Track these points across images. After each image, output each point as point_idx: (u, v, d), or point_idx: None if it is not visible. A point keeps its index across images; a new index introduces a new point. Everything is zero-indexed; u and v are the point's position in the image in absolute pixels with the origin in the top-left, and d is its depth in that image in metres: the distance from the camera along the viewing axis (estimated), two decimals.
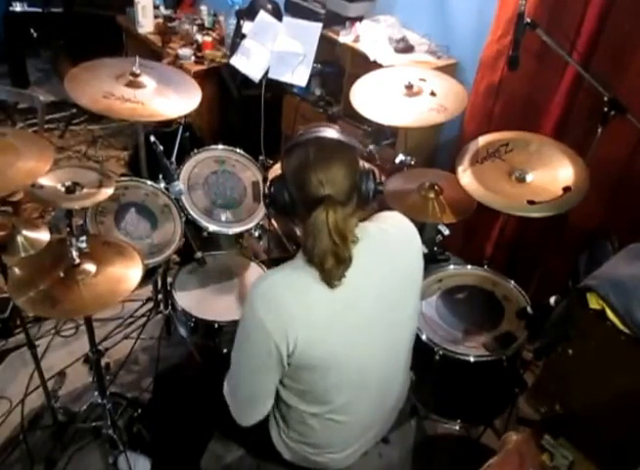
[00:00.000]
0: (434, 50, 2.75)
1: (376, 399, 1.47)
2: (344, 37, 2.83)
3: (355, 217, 1.33)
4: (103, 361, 1.94)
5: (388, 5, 2.93)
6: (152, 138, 2.04)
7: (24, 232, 1.74)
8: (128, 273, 1.62)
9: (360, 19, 2.87)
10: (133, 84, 1.98)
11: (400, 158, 2.33)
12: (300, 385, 1.36)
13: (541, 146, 2.09)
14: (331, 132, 1.34)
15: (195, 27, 3.44)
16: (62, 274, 1.59)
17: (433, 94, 2.19)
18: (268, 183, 1.35)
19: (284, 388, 1.39)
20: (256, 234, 2.29)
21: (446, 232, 2.32)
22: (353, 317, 1.33)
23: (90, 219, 2.00)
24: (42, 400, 2.15)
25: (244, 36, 2.96)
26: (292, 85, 2.89)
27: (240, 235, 2.35)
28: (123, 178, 2.10)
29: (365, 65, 2.63)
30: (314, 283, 1.27)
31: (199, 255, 2.13)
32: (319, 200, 1.25)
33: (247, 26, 2.96)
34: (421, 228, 2.33)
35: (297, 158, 1.30)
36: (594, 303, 1.38)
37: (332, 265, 1.25)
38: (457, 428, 2.15)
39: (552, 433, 1.49)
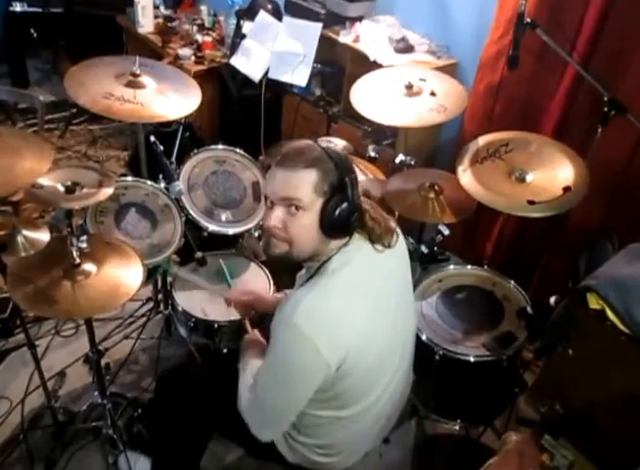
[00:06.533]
0: (434, 50, 2.75)
1: (388, 398, 1.48)
2: (344, 37, 2.82)
3: None
4: (103, 361, 1.94)
5: (388, 5, 2.93)
6: (152, 138, 2.05)
7: (24, 232, 1.74)
8: (128, 280, 1.59)
9: (360, 19, 2.86)
10: (133, 84, 1.97)
11: (400, 158, 2.33)
12: (332, 393, 1.35)
13: (541, 146, 2.09)
14: (299, 144, 1.32)
15: (195, 27, 3.44)
16: (61, 273, 1.57)
17: (433, 94, 2.19)
18: (338, 211, 1.28)
19: None
20: (256, 234, 2.29)
21: (446, 232, 2.32)
22: (384, 322, 1.36)
23: (90, 219, 2.00)
24: (42, 400, 2.15)
25: (244, 36, 2.96)
26: (292, 85, 2.89)
27: (240, 235, 2.34)
28: (123, 178, 2.10)
29: (365, 65, 2.63)
30: (352, 296, 1.30)
31: (199, 255, 2.13)
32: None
33: (247, 26, 2.96)
34: (421, 228, 2.34)
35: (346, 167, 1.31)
36: (594, 303, 1.38)
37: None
38: (457, 428, 2.15)
39: (552, 433, 1.49)
